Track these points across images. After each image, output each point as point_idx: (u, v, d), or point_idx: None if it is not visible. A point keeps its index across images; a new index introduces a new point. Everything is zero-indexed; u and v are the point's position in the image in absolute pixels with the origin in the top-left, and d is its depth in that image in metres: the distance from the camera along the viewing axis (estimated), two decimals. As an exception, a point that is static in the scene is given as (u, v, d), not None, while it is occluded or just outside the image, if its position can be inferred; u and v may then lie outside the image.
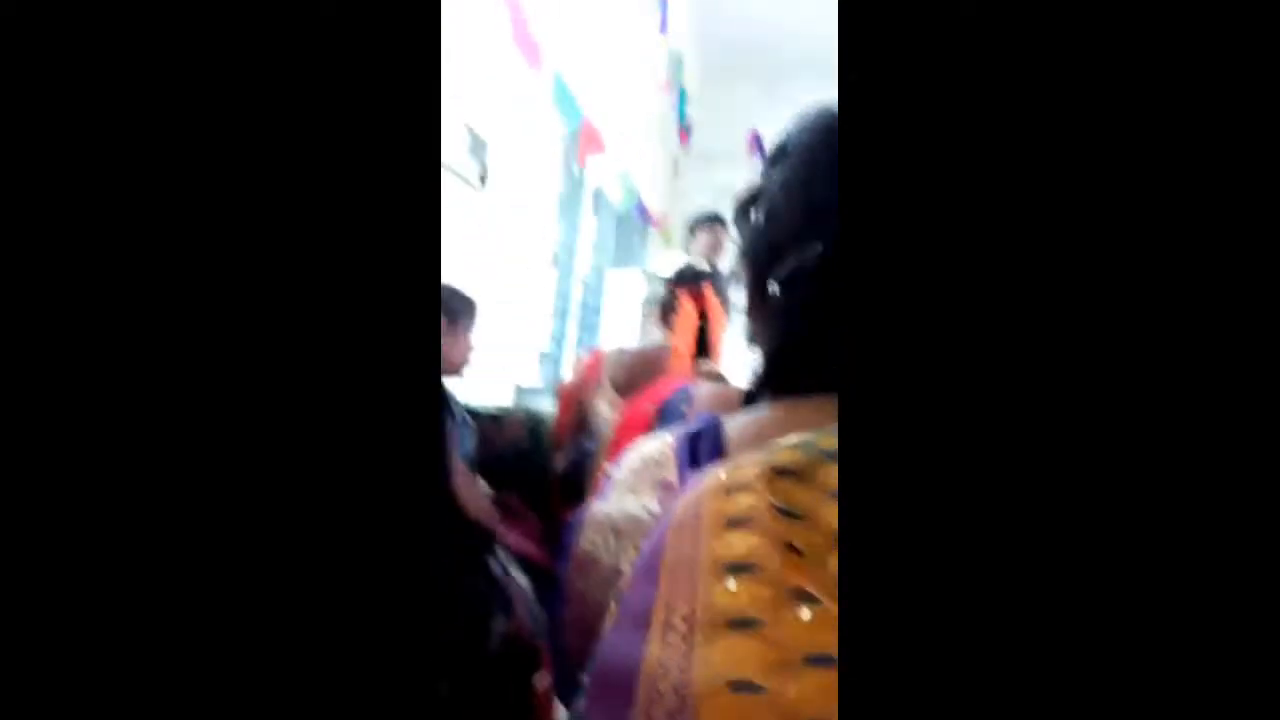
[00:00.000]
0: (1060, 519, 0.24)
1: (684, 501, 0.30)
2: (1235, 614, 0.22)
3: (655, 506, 0.41)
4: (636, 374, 1.43)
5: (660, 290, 1.67)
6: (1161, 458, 0.23)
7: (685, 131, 4.26)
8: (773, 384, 0.45)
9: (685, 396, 1.07)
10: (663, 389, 1.25)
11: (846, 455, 0.26)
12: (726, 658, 0.23)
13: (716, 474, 0.30)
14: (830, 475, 0.27)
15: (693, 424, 0.47)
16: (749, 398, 0.47)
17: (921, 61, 0.28)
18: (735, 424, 0.44)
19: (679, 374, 1.46)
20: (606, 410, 1.42)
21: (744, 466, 0.29)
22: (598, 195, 3.13)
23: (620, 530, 0.41)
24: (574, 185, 2.79)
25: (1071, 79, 0.26)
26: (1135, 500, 0.23)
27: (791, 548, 0.25)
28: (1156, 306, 0.24)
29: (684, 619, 0.25)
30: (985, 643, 0.23)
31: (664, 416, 0.96)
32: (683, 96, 3.91)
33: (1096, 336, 0.25)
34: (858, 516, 0.24)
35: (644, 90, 3.25)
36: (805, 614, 0.23)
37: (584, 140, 2.57)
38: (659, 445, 0.44)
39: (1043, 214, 0.26)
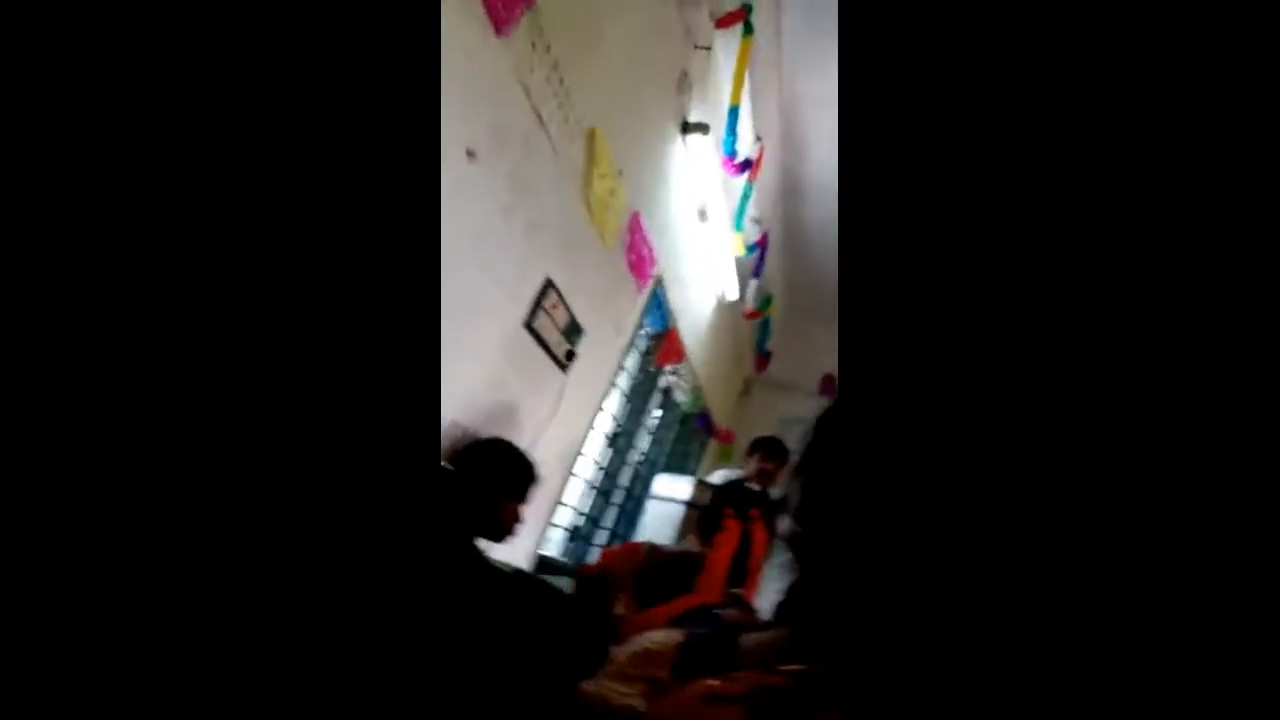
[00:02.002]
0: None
1: (664, 705, 0.34)
2: (1222, 606, 0.21)
3: (638, 703, 0.42)
4: (664, 577, 1.41)
5: (706, 502, 1.68)
6: (1148, 483, 0.22)
7: (764, 359, 4.54)
8: (789, 618, 0.48)
9: (710, 618, 1.06)
10: (686, 603, 1.23)
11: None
12: None
13: (708, 683, 0.34)
14: None
15: (700, 629, 0.49)
16: (776, 619, 0.50)
17: (921, 62, 0.28)
18: (753, 640, 0.46)
19: (708, 592, 1.42)
20: (622, 610, 1.38)
21: (731, 679, 0.33)
22: (666, 393, 3.33)
23: (599, 709, 0.42)
24: (648, 380, 2.99)
25: (1071, 86, 0.26)
26: (1122, 513, 0.22)
27: None
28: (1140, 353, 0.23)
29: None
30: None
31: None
32: (767, 327, 4.25)
33: (1089, 347, 0.24)
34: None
35: (729, 316, 3.58)
36: None
37: (667, 345, 2.83)
38: (665, 640, 0.47)
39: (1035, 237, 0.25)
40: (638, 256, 2.18)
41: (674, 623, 1.08)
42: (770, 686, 0.32)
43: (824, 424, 0.48)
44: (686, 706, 0.33)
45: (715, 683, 0.33)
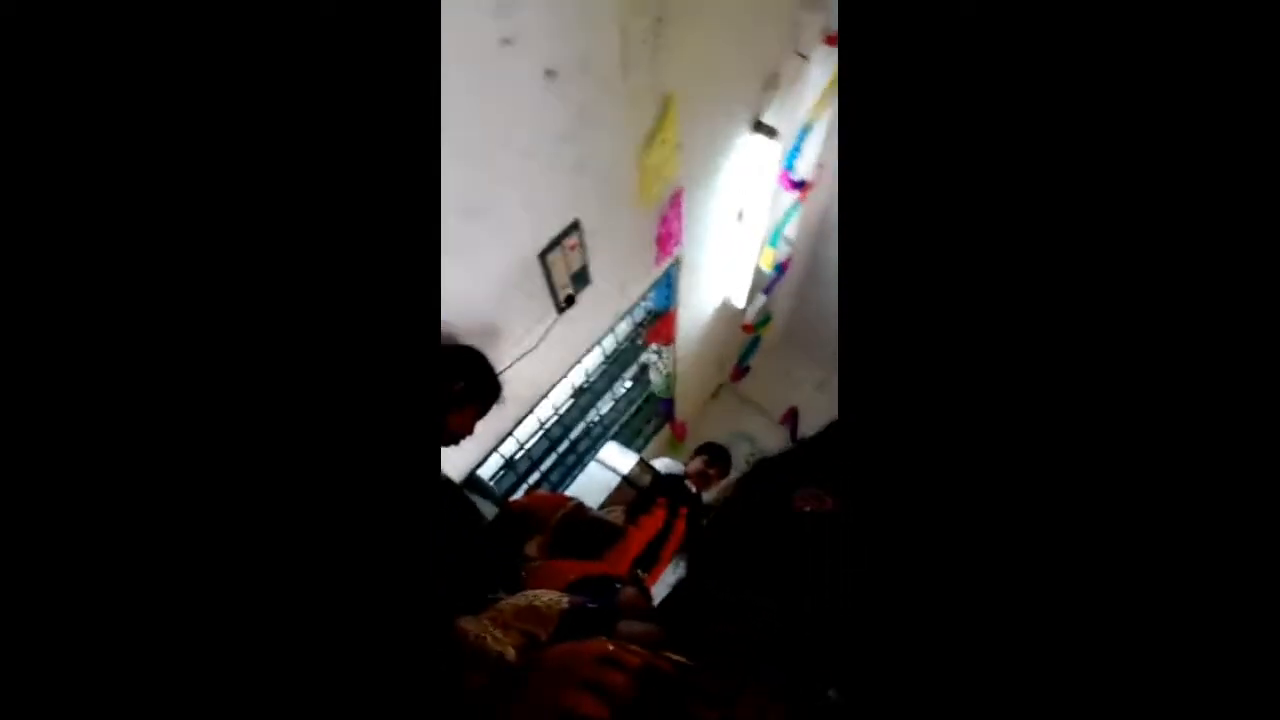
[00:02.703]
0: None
1: (565, 648, 0.36)
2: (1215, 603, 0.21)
3: (511, 653, 0.44)
4: (583, 538, 1.44)
5: (644, 484, 1.71)
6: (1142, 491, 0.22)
7: (741, 372, 4.59)
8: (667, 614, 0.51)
9: (608, 587, 1.10)
10: (592, 568, 1.27)
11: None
12: None
13: (605, 642, 0.35)
14: (693, 706, 0.34)
15: (592, 602, 0.51)
16: (649, 614, 0.53)
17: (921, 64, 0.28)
18: (627, 626, 0.49)
19: (614, 566, 1.46)
20: (533, 550, 1.42)
21: (634, 651, 0.35)
22: (643, 369, 3.36)
23: (470, 647, 0.44)
24: (630, 351, 3.01)
25: (1069, 91, 0.26)
26: (1120, 516, 0.22)
27: None
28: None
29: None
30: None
31: (579, 591, 0.99)
32: (756, 344, 4.29)
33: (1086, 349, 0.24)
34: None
35: (727, 320, 3.61)
36: None
37: (662, 325, 2.84)
38: (553, 602, 0.49)
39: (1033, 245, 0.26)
40: (666, 231, 2.18)
41: (575, 584, 1.12)
42: (659, 670, 0.34)
43: (762, 468, 0.51)
44: (579, 660, 0.33)
45: (612, 647, 0.34)
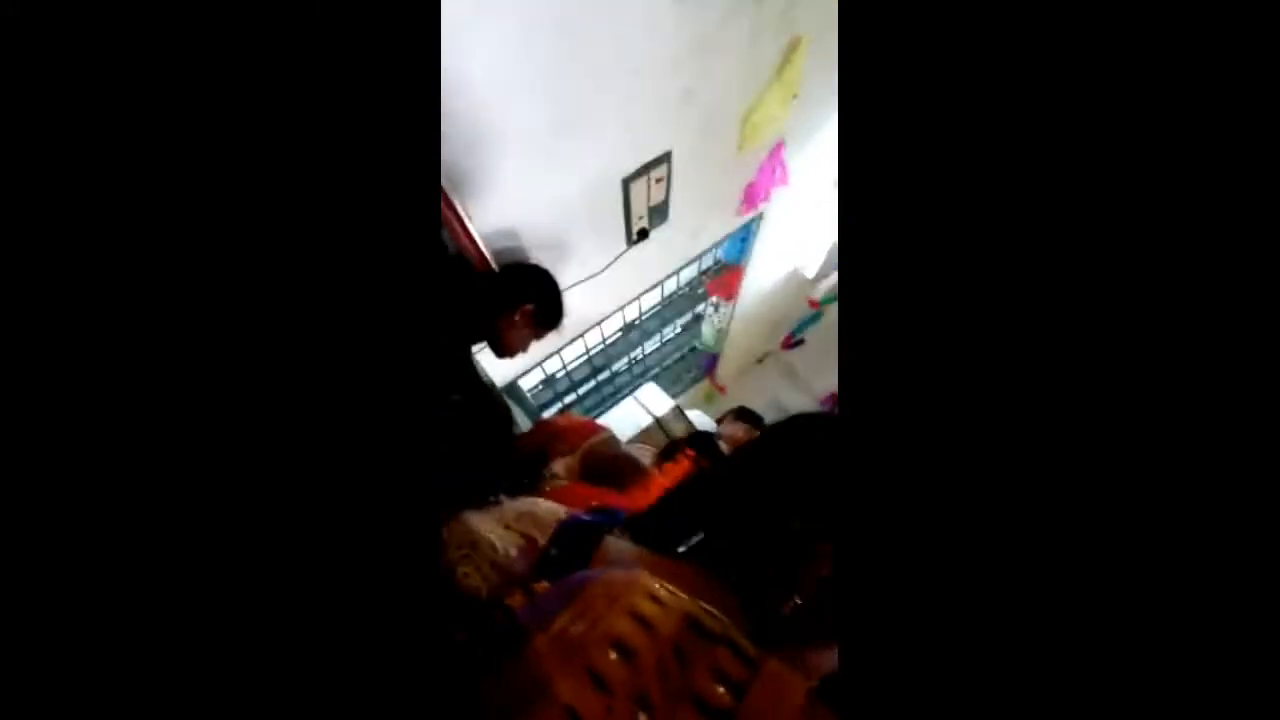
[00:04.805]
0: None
1: (619, 574, 0.36)
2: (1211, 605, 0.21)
3: (514, 551, 0.45)
4: (609, 468, 1.46)
5: (679, 431, 1.71)
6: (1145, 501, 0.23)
7: (793, 341, 4.50)
8: (652, 538, 0.50)
9: (622, 519, 1.11)
10: (613, 499, 1.29)
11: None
12: (578, 692, 0.28)
13: (653, 580, 0.36)
14: (723, 660, 0.33)
15: (586, 516, 0.51)
16: (632, 531, 0.53)
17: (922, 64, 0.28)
18: (615, 544, 0.49)
19: (634, 502, 1.49)
20: (560, 470, 1.45)
21: (675, 594, 0.35)
22: (696, 319, 3.32)
23: (477, 545, 0.45)
24: (689, 299, 2.97)
25: (1068, 91, 0.26)
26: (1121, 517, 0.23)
27: (664, 673, 0.31)
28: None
29: (571, 642, 0.31)
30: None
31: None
32: (815, 320, 4.18)
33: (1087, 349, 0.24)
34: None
35: (793, 289, 3.51)
36: (641, 717, 0.29)
37: (727, 279, 2.78)
38: (551, 511, 0.49)
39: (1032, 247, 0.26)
40: (759, 184, 2.09)
41: (592, 511, 1.14)
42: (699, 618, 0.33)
43: (776, 434, 0.49)
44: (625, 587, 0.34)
45: (656, 586, 0.34)
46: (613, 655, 0.30)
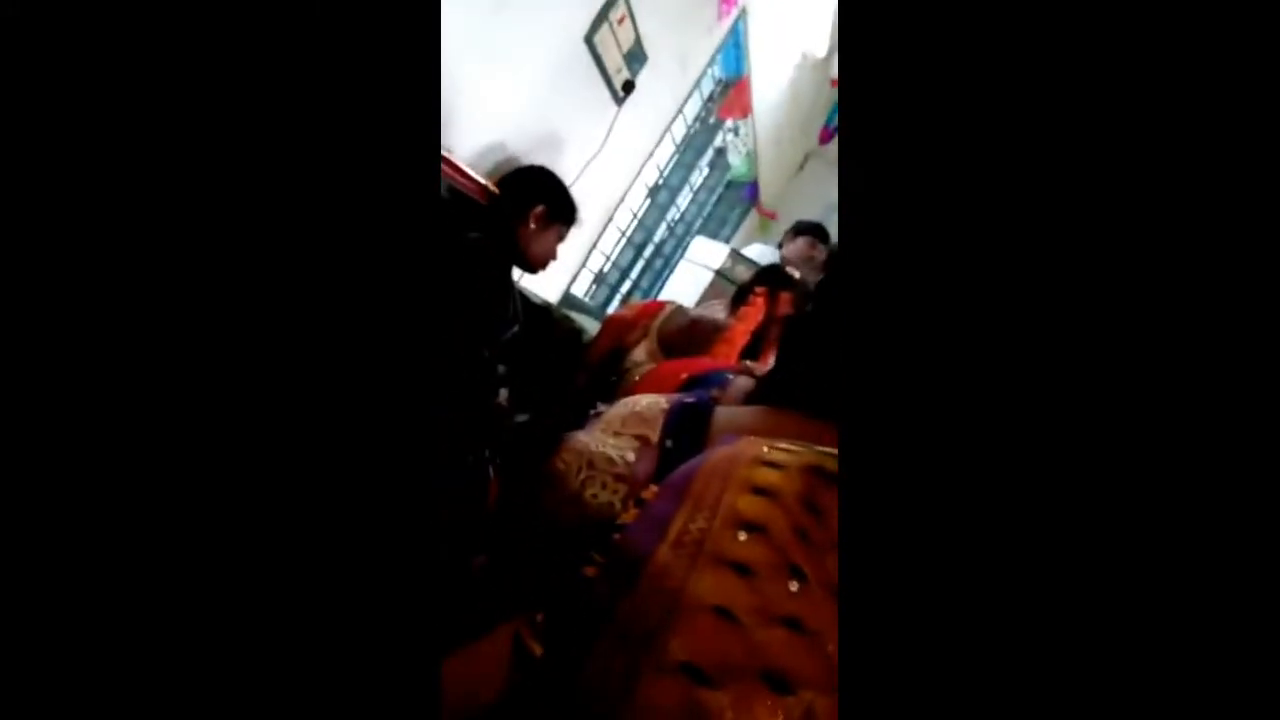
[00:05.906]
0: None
1: (723, 451, 0.34)
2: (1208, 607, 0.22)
3: (631, 456, 0.43)
4: (686, 338, 1.45)
5: (743, 275, 1.66)
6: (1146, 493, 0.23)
7: (831, 132, 4.13)
8: (771, 394, 0.48)
9: (721, 380, 1.10)
10: (703, 364, 1.28)
11: (846, 473, 0.28)
12: (719, 587, 0.27)
13: (760, 444, 0.33)
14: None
15: (689, 398, 0.50)
16: (750, 398, 0.51)
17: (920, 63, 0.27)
18: (726, 413, 0.47)
19: (724, 359, 1.48)
20: (642, 356, 1.45)
21: (789, 450, 0.33)
22: (720, 153, 3.09)
23: (594, 463, 0.44)
24: (704, 133, 2.75)
25: (1067, 91, 0.26)
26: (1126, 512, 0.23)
27: (802, 533, 0.29)
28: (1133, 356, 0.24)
29: (694, 541, 0.29)
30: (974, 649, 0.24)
31: (691, 388, 0.99)
32: (844, 98, 3.78)
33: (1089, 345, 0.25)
34: (856, 527, 0.26)
35: (809, 75, 3.15)
36: (794, 585, 0.27)
37: (734, 96, 2.52)
38: (653, 404, 0.48)
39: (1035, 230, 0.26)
40: (727, -27, 1.82)
41: (688, 382, 1.13)
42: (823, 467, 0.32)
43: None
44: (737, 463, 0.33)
45: (765, 449, 0.34)
46: (743, 536, 0.29)
